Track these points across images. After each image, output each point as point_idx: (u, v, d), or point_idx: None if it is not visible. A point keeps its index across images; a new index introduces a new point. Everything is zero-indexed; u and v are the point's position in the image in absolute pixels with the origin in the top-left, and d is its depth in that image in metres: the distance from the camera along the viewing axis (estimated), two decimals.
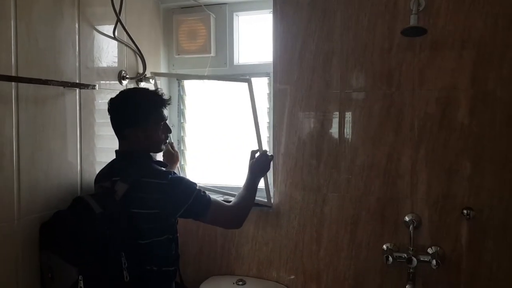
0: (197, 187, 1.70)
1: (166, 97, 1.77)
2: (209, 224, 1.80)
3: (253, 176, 1.94)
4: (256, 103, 2.08)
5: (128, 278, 1.52)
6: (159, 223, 1.63)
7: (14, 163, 1.56)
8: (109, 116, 1.75)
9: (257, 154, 2.01)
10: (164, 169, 1.70)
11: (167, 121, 1.81)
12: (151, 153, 1.78)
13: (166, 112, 1.79)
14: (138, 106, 1.70)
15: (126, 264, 1.52)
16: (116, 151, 1.75)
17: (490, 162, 1.90)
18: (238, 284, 2.23)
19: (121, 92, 1.76)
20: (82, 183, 1.88)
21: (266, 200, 2.26)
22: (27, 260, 1.62)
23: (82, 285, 1.51)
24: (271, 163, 2.03)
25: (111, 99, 1.74)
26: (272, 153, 2.19)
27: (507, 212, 1.88)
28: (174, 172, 1.70)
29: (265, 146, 2.38)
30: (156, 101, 1.73)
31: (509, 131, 1.87)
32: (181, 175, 1.75)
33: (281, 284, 2.29)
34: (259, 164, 1.96)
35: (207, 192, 1.74)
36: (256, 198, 1.96)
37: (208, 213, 1.69)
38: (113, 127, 1.74)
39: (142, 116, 1.69)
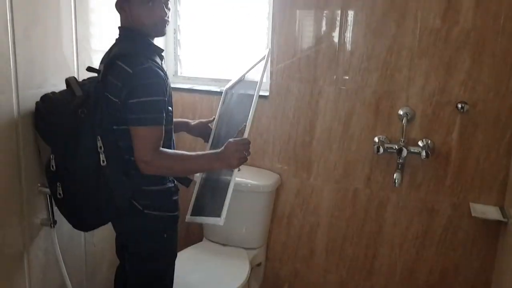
0: (161, 99, 1.46)
1: None
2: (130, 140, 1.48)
3: (218, 160, 1.54)
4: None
5: (105, 162, 1.46)
6: (123, 112, 1.46)
7: (9, 36, 1.53)
8: None
9: (244, 133, 1.58)
10: (145, 57, 1.48)
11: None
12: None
13: None
14: None
15: (103, 148, 1.46)
16: (118, 27, 1.61)
17: (491, 56, 1.88)
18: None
19: None
20: (78, 62, 1.86)
21: None
22: (26, 134, 1.65)
23: (53, 163, 1.54)
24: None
25: None
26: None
27: (501, 106, 1.91)
28: (154, 64, 1.49)
29: (264, 40, 2.34)
30: None
31: None
32: (156, 72, 1.47)
33: (274, 172, 2.37)
34: (234, 152, 1.53)
35: (170, 119, 1.55)
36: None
37: (139, 129, 1.44)
38: None
39: None
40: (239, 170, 1.58)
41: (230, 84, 2.00)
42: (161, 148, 1.49)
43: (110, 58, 1.49)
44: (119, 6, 1.55)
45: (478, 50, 1.90)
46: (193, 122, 1.93)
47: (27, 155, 1.65)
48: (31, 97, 1.63)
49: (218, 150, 1.55)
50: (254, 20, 2.40)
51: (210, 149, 1.85)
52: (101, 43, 1.67)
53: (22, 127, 1.62)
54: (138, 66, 1.43)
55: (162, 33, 1.60)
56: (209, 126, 1.94)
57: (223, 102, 2.00)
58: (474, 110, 1.95)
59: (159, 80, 1.47)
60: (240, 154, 1.53)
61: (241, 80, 1.93)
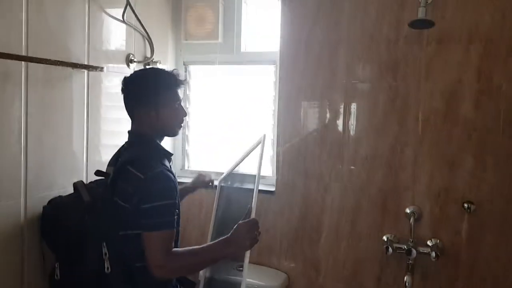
0: (173, 202, 1.45)
1: (181, 77, 1.60)
2: (143, 245, 1.42)
3: (230, 244, 1.49)
4: (262, 91, 2.03)
5: (109, 269, 1.43)
6: (133, 217, 1.44)
7: (22, 142, 1.60)
8: (115, 99, 1.72)
9: (251, 214, 1.55)
10: (156, 162, 1.49)
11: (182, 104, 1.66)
12: (165, 137, 1.64)
13: (181, 93, 1.62)
14: (150, 84, 1.56)
15: (108, 255, 1.43)
16: (128, 131, 1.64)
17: (492, 156, 1.91)
18: (238, 270, 2.24)
19: (136, 71, 1.67)
20: (88, 164, 1.91)
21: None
22: (32, 239, 1.66)
23: (58, 272, 1.51)
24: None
25: (125, 78, 1.60)
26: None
27: (507, 206, 1.90)
28: (165, 168, 1.49)
29: (269, 134, 2.40)
30: (170, 80, 1.57)
31: None
32: (168, 176, 1.47)
33: (281, 271, 2.31)
34: (245, 234, 1.49)
35: (178, 219, 1.51)
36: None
37: (153, 234, 1.40)
38: (125, 106, 1.60)
39: (153, 95, 1.54)
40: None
41: (223, 176, 2.02)
42: (175, 249, 1.46)
43: (120, 164, 1.50)
44: (143, 111, 1.55)
45: (480, 150, 1.92)
46: (188, 184, 1.99)
47: (30, 261, 1.65)
48: (39, 201, 1.66)
49: (229, 235, 1.50)
50: (259, 113, 2.49)
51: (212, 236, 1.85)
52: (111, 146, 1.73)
53: (27, 232, 1.64)
54: (150, 172, 1.43)
55: (177, 133, 1.65)
56: (202, 174, 2.00)
57: (219, 194, 2.00)
58: (480, 210, 1.93)
59: (171, 184, 1.47)
60: (252, 235, 1.50)
61: (237, 171, 1.95)
